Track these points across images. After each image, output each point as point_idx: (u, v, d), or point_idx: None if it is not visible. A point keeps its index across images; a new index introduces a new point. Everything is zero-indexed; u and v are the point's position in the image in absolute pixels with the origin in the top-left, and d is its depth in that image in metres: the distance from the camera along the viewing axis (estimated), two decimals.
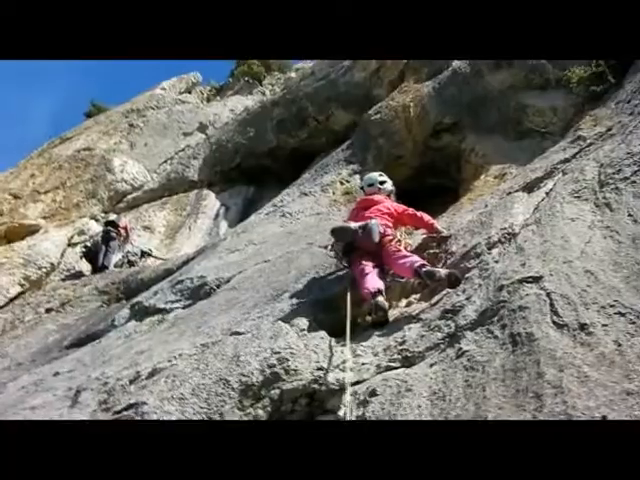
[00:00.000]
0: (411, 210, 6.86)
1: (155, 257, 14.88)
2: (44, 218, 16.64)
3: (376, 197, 7.10)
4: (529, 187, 6.53)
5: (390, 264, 6.18)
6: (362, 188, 7.75)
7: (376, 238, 6.25)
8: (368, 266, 6.12)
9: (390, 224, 6.59)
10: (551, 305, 4.08)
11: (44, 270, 14.88)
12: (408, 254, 6.07)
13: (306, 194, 10.94)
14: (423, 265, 5.67)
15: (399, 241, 6.40)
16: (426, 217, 6.84)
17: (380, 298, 5.59)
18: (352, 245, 6.39)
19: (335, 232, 6.62)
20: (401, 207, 6.93)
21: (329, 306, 5.87)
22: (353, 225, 6.51)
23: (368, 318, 5.71)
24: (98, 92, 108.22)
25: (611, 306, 3.85)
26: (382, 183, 7.39)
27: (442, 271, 5.47)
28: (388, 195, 7.28)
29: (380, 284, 5.79)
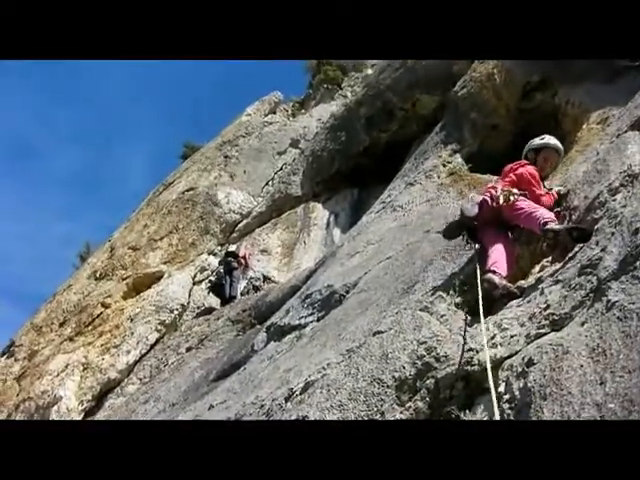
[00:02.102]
0: (532, 185, 6.37)
1: (271, 280, 15.24)
2: (165, 263, 17.25)
3: (527, 167, 6.64)
4: (638, 124, 6.30)
5: (520, 224, 6.08)
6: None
7: (472, 212, 6.21)
8: (492, 241, 6.07)
9: (510, 189, 6.29)
10: None
11: (176, 312, 15.47)
12: (535, 209, 5.86)
13: (412, 184, 10.87)
14: (547, 222, 5.55)
15: (522, 197, 6.16)
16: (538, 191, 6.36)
17: (489, 275, 5.51)
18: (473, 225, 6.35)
19: (447, 233, 6.61)
20: (526, 174, 6.46)
21: (463, 287, 5.83)
22: (459, 216, 6.45)
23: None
24: (187, 133, 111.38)
25: None
26: (534, 150, 6.93)
27: (562, 227, 5.35)
28: (535, 159, 6.81)
29: (496, 261, 5.70)
